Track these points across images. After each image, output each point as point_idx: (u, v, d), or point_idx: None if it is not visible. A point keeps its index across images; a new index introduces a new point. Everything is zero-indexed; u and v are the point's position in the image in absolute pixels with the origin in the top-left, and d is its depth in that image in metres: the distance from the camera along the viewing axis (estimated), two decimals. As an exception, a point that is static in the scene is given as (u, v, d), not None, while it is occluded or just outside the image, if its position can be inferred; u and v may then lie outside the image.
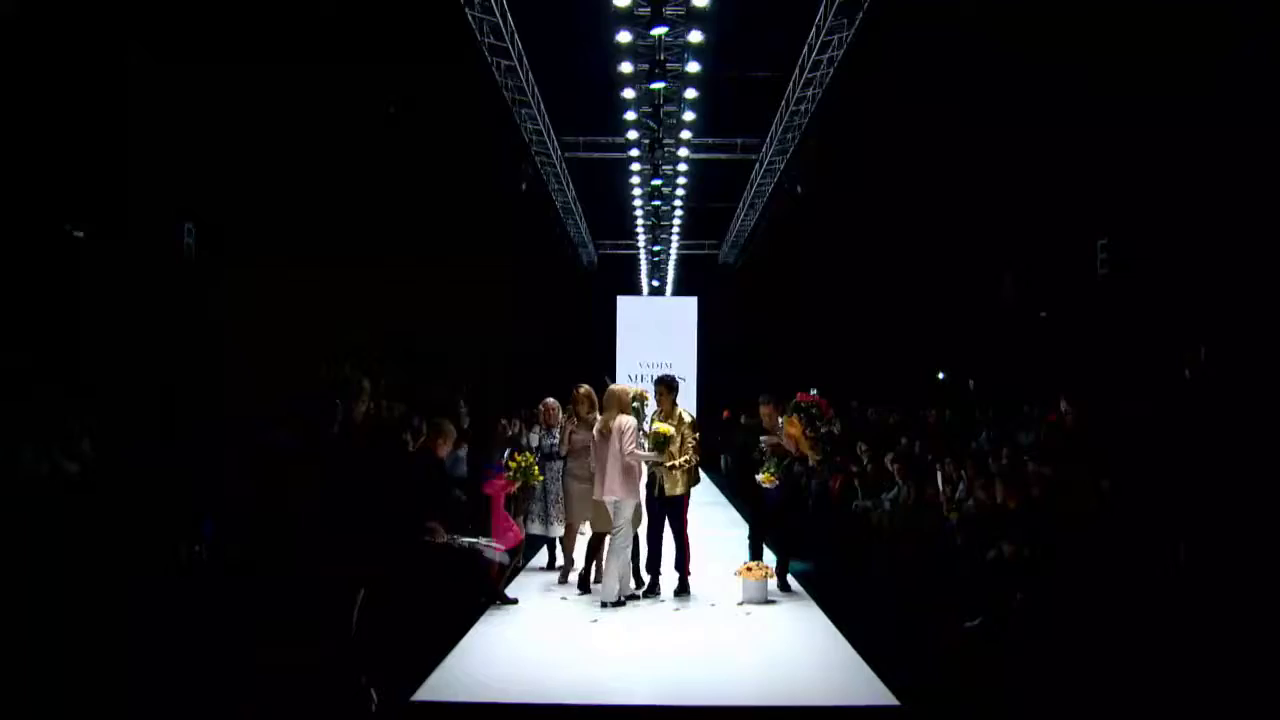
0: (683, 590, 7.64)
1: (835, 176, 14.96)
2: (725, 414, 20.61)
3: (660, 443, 7.41)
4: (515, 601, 7.30)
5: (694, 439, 7.64)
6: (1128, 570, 5.69)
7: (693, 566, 7.76)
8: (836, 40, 10.97)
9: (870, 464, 9.81)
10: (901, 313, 16.56)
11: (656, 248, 19.51)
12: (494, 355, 17.31)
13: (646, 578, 7.76)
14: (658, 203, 15.51)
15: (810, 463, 7.98)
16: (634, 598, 7.47)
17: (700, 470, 7.90)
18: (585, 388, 8.04)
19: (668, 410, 7.65)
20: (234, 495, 5.88)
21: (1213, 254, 9.10)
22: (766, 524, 8.05)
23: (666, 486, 7.55)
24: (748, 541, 8.15)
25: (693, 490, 7.77)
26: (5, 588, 5.24)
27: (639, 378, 21.83)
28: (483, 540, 6.89)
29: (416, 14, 10.26)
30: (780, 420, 7.93)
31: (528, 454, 7.81)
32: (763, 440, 8.00)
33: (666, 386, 7.69)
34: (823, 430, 7.79)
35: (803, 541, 8.52)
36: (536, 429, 8.75)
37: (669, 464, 7.47)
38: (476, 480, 7.88)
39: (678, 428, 7.56)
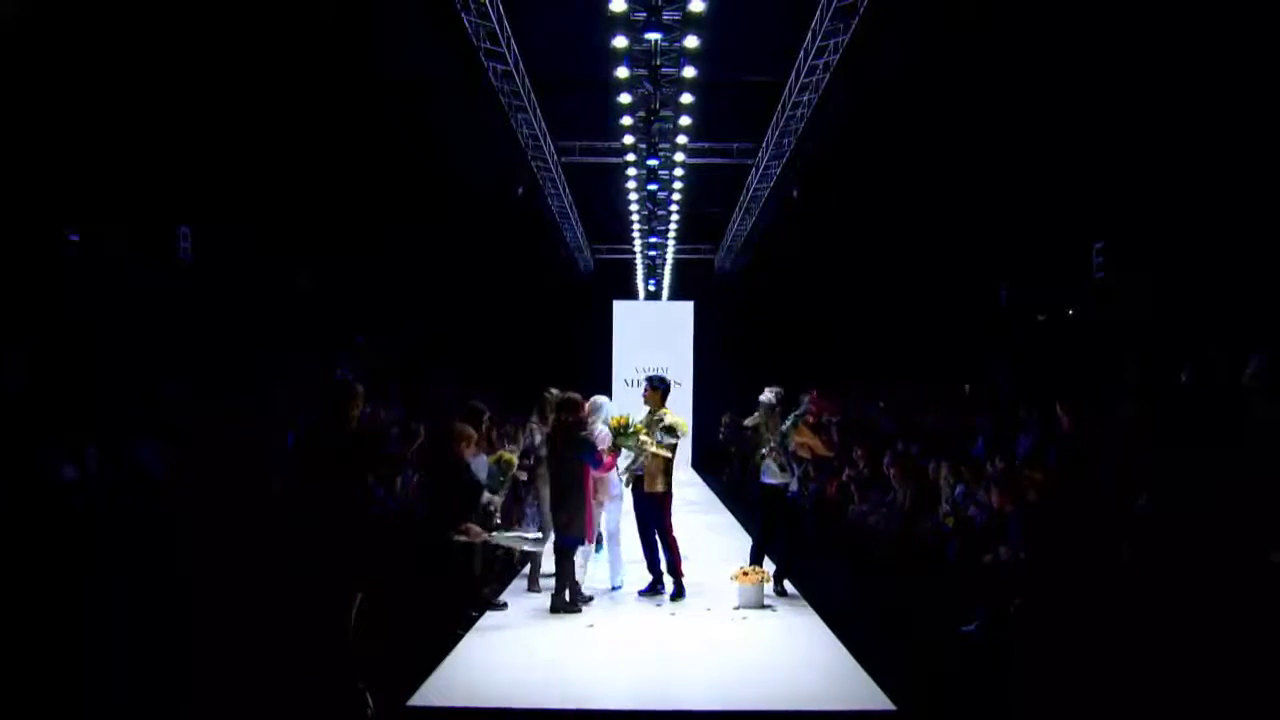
0: (678, 594, 7.63)
1: (831, 181, 14.98)
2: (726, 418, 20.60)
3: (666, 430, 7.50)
4: (505, 606, 7.29)
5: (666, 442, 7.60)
6: (1126, 573, 5.69)
7: (688, 569, 7.75)
8: (833, 45, 10.97)
9: (866, 468, 9.83)
10: (898, 316, 16.60)
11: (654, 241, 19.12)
12: (491, 359, 17.32)
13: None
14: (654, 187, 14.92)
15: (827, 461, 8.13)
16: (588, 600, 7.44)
17: (672, 477, 7.82)
18: (555, 392, 8.05)
19: (655, 409, 7.70)
20: (232, 496, 5.89)
21: (1212, 255, 9.15)
22: (776, 530, 8.03)
23: (645, 482, 7.58)
24: (750, 549, 8.11)
25: (691, 492, 7.76)
26: (5, 591, 5.24)
27: (635, 383, 21.78)
28: (517, 534, 7.20)
29: (413, 18, 10.29)
30: (783, 427, 7.91)
31: (618, 418, 7.49)
32: (765, 450, 7.99)
33: (652, 386, 7.84)
34: (825, 421, 7.94)
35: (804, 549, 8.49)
36: (532, 425, 8.72)
37: (643, 442, 7.45)
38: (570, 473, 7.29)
39: (653, 426, 7.58)
